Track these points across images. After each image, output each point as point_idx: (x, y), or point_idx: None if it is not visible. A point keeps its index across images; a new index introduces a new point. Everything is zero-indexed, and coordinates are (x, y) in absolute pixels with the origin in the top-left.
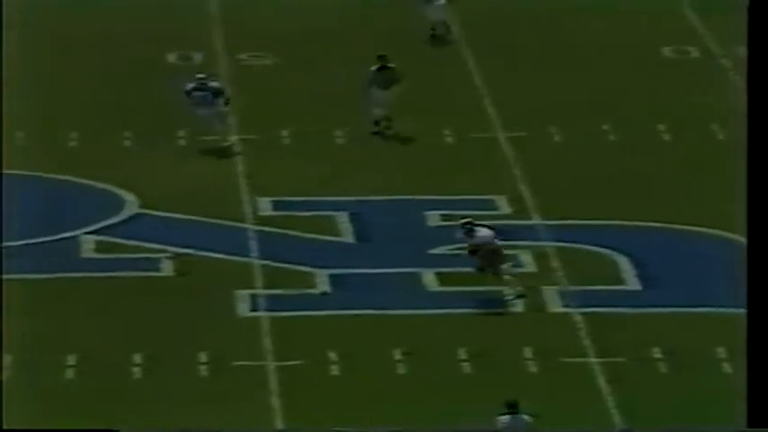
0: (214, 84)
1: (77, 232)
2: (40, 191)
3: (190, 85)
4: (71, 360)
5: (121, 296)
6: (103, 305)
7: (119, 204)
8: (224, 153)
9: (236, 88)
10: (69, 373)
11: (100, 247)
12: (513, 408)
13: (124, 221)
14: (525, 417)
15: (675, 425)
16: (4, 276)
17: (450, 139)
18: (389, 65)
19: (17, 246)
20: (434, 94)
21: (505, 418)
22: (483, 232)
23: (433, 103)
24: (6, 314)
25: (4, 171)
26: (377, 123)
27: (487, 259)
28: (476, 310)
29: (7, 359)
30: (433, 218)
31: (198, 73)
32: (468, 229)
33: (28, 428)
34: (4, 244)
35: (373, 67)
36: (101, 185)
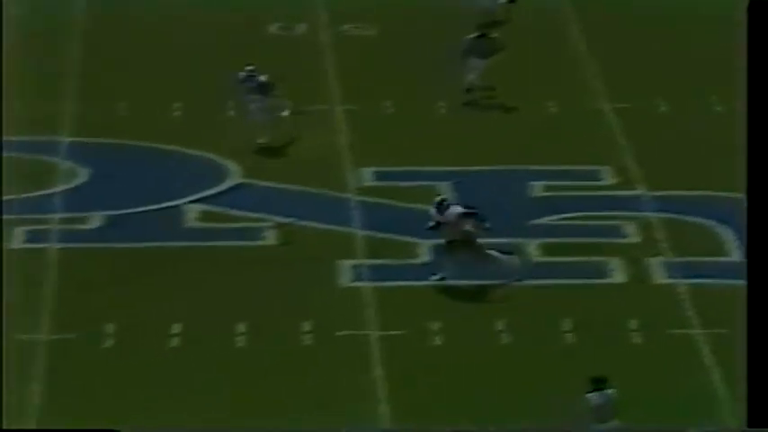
0: (262, 78)
1: (181, 201)
2: (145, 160)
3: (242, 75)
4: (175, 329)
5: (224, 265)
6: (206, 274)
7: (222, 174)
8: (327, 123)
9: (340, 59)
10: (174, 342)
11: (203, 217)
12: (600, 383)
13: (227, 191)
14: (611, 392)
15: None
16: (110, 245)
17: (554, 110)
18: (491, 34)
19: (121, 214)
20: (539, 65)
21: (593, 395)
22: (455, 211)
23: (537, 74)
24: (110, 282)
25: (108, 140)
26: (469, 91)
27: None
28: (580, 281)
29: (110, 327)
30: (537, 188)
31: (248, 65)
32: (445, 207)
33: (28, 429)
34: (109, 213)
35: (471, 36)
36: (205, 155)
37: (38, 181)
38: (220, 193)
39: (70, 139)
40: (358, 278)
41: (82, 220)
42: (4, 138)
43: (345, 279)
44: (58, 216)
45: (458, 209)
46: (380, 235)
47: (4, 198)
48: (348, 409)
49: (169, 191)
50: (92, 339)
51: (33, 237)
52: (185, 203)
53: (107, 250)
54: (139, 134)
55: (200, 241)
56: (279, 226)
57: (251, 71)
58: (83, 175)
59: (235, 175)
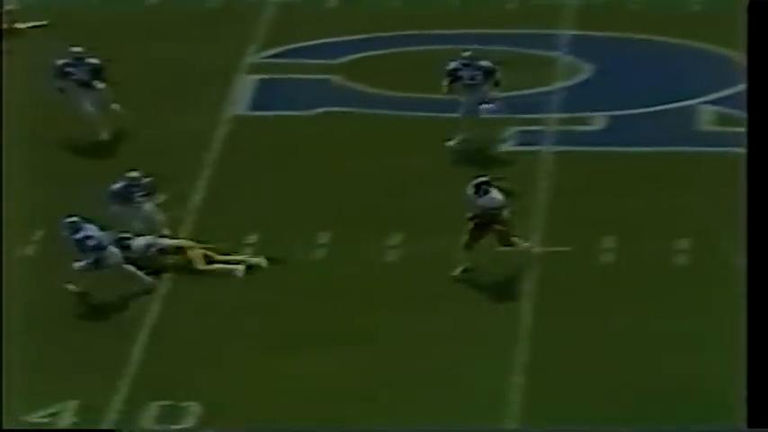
0: (484, 63)
1: (694, 102)
2: (655, 56)
3: (453, 63)
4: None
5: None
6: (719, 185)
7: (742, 73)
8: None
9: None
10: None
11: (719, 120)
12: None
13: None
14: None
15: None
16: (613, 149)
17: None
18: None
19: (627, 115)
20: None
21: None
22: (495, 196)
23: None
24: (612, 191)
25: (614, 34)
26: None
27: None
28: None
29: (610, 241)
30: None
31: (464, 51)
32: (485, 190)
33: (29, 428)
34: (613, 113)
35: None
36: (723, 51)
37: (535, 77)
38: (739, 94)
39: (573, 32)
40: None
41: (582, 121)
42: (503, 30)
43: None
44: (555, 116)
45: (497, 194)
46: None
47: (503, 94)
48: None
49: (681, 90)
50: (588, 254)
51: (526, 138)
52: (699, 104)
53: (609, 155)
54: (650, 27)
55: (716, 147)
56: None
57: (467, 57)
58: (585, 71)
59: None
